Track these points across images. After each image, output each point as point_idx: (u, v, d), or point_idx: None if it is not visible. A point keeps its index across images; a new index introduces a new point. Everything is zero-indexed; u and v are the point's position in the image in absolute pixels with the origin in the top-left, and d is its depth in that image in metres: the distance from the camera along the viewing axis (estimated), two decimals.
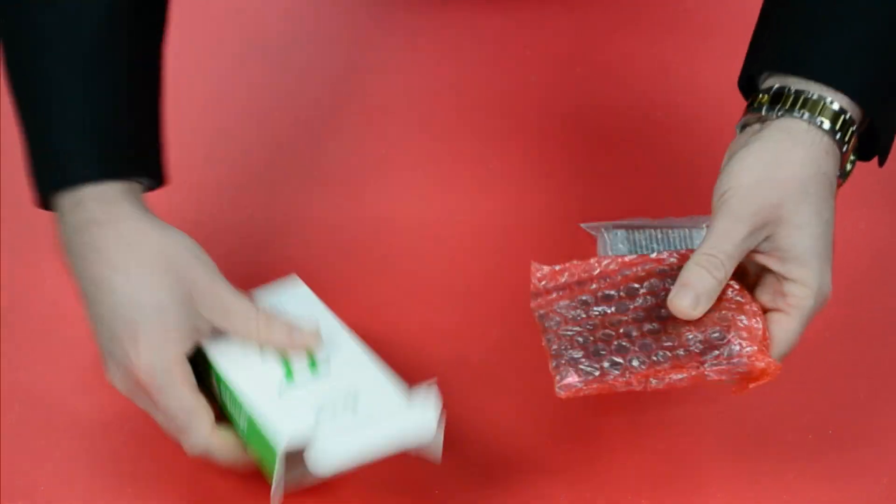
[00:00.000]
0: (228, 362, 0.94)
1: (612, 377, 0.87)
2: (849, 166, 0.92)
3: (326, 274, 1.08)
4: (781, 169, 0.89)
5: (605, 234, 1.09)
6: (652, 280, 0.90)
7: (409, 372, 1.04)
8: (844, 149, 0.90)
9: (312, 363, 0.94)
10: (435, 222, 1.13)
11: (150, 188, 0.96)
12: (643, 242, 1.09)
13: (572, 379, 0.87)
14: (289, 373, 0.93)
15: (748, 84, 0.95)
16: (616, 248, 1.08)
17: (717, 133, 1.01)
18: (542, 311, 0.91)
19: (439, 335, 1.06)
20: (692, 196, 1.11)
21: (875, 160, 0.94)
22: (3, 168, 1.17)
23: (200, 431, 0.90)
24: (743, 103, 0.93)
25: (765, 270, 0.90)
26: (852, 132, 0.90)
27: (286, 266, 1.10)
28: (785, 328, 0.89)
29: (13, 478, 0.99)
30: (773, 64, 0.92)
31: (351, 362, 0.94)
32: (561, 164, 1.16)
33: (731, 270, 0.88)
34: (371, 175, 1.17)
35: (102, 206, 0.92)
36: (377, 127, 1.19)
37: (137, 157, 0.95)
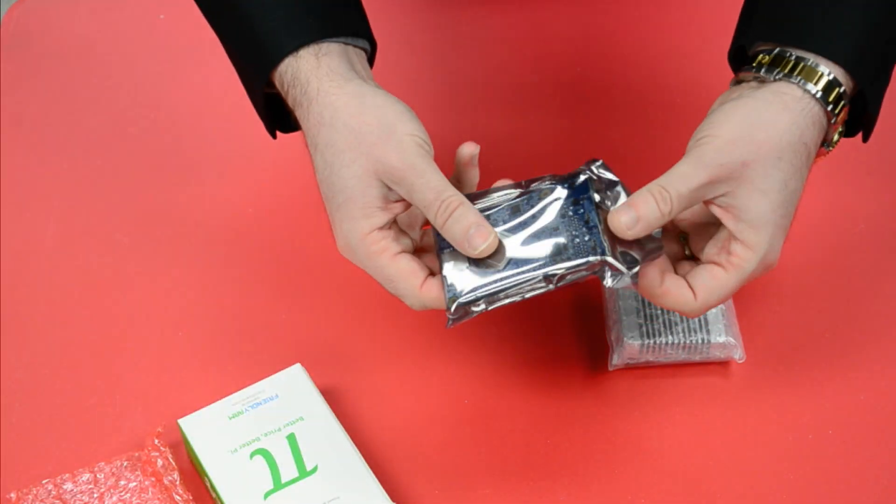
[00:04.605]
0: (216, 463, 0.95)
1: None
2: (836, 136, 0.93)
3: (327, 264, 1.09)
4: (762, 130, 0.89)
5: None
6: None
7: (404, 371, 1.04)
8: (834, 119, 0.91)
9: (301, 465, 0.95)
10: None
11: (365, 49, 0.96)
12: None
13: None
14: (276, 475, 0.94)
15: (737, 56, 0.96)
16: None
17: None
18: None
19: (437, 334, 1.06)
20: None
21: (859, 136, 0.95)
22: (3, 168, 1.17)
23: (410, 296, 0.91)
24: None
25: (719, 224, 0.91)
26: (843, 104, 0.91)
27: (289, 261, 1.10)
28: (719, 281, 0.90)
29: (13, 478, 0.99)
30: (769, 34, 0.93)
31: (340, 466, 0.95)
32: (562, 163, 1.16)
33: (677, 211, 0.89)
34: None
35: (298, 87, 0.93)
36: None
37: (332, 17, 0.95)
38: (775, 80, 0.91)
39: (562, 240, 0.89)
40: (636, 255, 0.89)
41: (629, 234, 0.88)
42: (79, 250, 1.12)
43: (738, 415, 1.01)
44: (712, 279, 0.90)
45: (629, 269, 0.88)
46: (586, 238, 0.89)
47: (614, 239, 0.89)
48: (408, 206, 0.91)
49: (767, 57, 0.92)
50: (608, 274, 0.88)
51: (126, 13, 1.29)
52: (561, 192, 0.91)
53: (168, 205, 1.15)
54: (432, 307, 0.91)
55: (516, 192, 0.92)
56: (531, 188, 0.92)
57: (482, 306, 0.89)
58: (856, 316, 1.06)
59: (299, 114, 0.93)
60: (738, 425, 1.01)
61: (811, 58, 0.90)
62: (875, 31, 0.92)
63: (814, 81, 0.90)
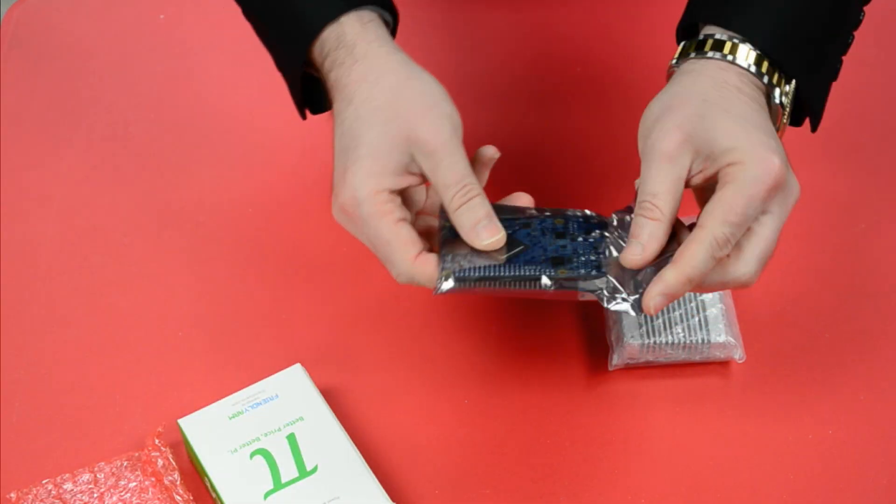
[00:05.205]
0: (216, 463, 0.95)
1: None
2: (784, 99, 0.93)
3: (328, 264, 1.09)
4: (679, 96, 0.91)
5: None
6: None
7: (404, 371, 1.04)
8: (766, 81, 0.92)
9: (301, 465, 0.95)
10: None
11: (387, 22, 0.97)
12: None
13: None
14: (276, 475, 0.94)
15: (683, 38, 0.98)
16: None
17: None
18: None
19: (437, 335, 1.06)
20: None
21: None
22: (2, 167, 1.17)
23: (400, 264, 0.90)
24: None
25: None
26: (769, 67, 0.92)
27: (289, 261, 1.10)
28: (720, 197, 0.88)
29: (13, 478, 0.99)
30: (699, 16, 0.95)
31: (340, 466, 0.95)
32: (561, 163, 1.16)
33: (669, 206, 0.89)
34: None
35: (343, 48, 0.93)
36: None
37: None
38: (683, 63, 0.94)
39: (566, 254, 0.90)
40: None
41: (646, 257, 0.88)
42: (79, 250, 1.12)
43: (738, 415, 1.01)
44: (713, 201, 0.88)
45: (630, 295, 0.89)
46: (591, 258, 0.90)
47: (625, 273, 0.89)
48: (421, 182, 0.92)
49: (679, 49, 0.95)
50: (606, 296, 0.89)
51: (126, 13, 1.29)
52: (576, 221, 0.92)
53: (168, 204, 1.14)
54: (419, 283, 0.90)
55: (533, 213, 0.93)
56: (547, 214, 0.93)
57: (472, 285, 0.89)
58: (856, 316, 1.06)
59: (339, 73, 0.93)
60: (738, 425, 1.01)
61: (724, 34, 0.92)
62: (798, 17, 0.93)
63: (723, 50, 0.92)
